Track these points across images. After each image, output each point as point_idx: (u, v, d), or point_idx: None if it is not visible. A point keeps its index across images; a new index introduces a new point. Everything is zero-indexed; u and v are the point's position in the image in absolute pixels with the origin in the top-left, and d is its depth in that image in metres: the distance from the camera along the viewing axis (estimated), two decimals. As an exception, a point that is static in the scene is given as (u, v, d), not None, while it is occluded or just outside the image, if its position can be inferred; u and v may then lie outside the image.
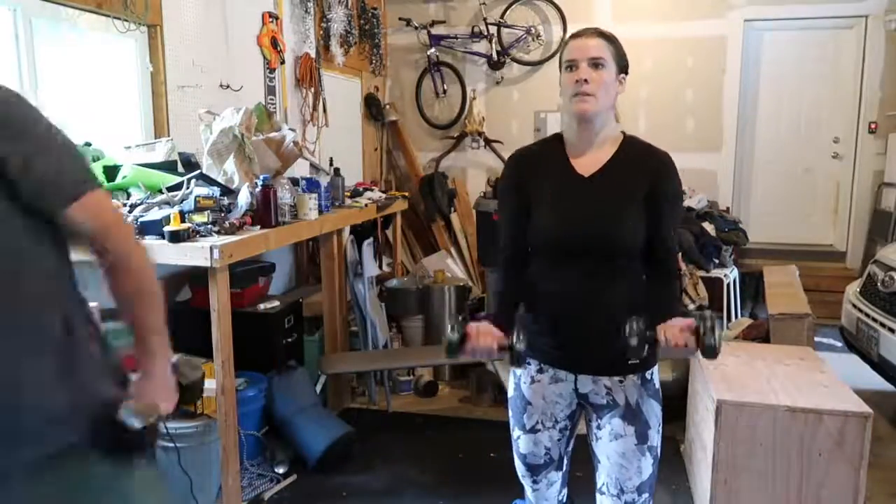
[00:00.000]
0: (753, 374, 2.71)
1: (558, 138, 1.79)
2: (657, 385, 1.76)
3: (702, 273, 4.67)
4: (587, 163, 1.71)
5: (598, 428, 1.75)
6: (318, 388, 3.63)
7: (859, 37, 5.50)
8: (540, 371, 1.78)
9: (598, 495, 1.79)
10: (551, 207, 1.70)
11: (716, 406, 2.45)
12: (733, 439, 2.45)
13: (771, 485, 2.43)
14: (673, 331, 1.52)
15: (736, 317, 4.91)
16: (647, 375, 1.73)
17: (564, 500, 1.99)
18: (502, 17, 5.84)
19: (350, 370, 3.81)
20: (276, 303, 3.51)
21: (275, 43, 4.22)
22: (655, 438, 1.73)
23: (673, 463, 3.14)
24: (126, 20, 3.01)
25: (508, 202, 1.79)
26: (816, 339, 4.17)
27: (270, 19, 4.19)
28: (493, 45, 5.86)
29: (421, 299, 4.45)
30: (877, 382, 3.56)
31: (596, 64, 1.62)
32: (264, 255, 3.47)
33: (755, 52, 5.71)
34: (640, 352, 1.51)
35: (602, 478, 1.76)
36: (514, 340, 1.52)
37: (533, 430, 1.81)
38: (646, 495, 1.74)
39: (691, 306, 4.01)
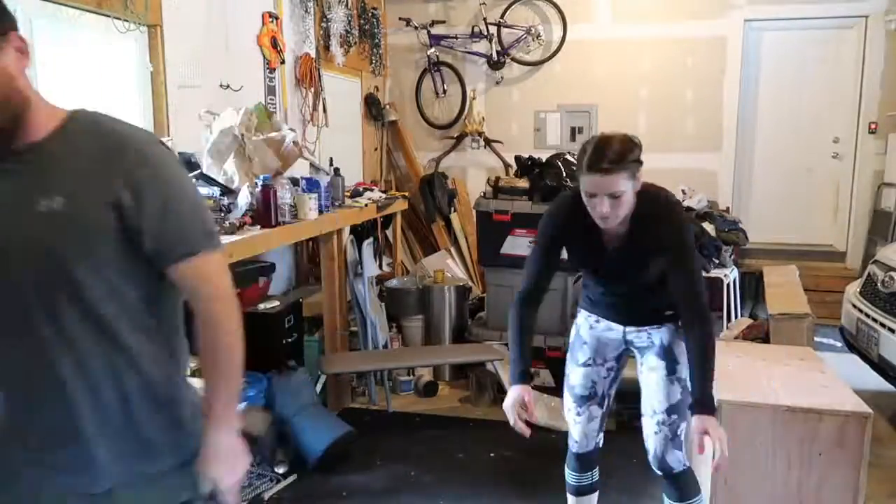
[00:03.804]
0: (753, 374, 2.71)
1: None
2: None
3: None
4: (611, 237, 1.98)
5: (641, 364, 2.15)
6: (318, 388, 3.63)
7: (859, 37, 5.50)
8: (598, 321, 2.18)
9: (642, 417, 2.14)
10: (587, 265, 2.11)
11: (716, 406, 2.45)
12: (733, 439, 2.44)
13: (771, 485, 2.43)
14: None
15: (736, 317, 4.91)
16: (679, 323, 2.08)
17: (601, 444, 2.27)
18: (502, 17, 5.84)
19: (350, 370, 3.81)
20: (276, 303, 3.52)
21: (275, 43, 4.22)
22: (684, 372, 2.03)
23: (673, 463, 3.14)
24: (126, 20, 3.01)
25: (545, 246, 2.06)
26: (816, 339, 4.17)
27: (270, 19, 4.19)
28: (493, 45, 5.86)
29: (421, 299, 4.45)
30: (877, 382, 3.56)
31: (614, 195, 1.79)
32: (264, 255, 3.47)
33: (755, 53, 5.71)
34: None
35: (643, 403, 2.12)
36: None
37: (585, 365, 2.17)
38: (675, 416, 2.06)
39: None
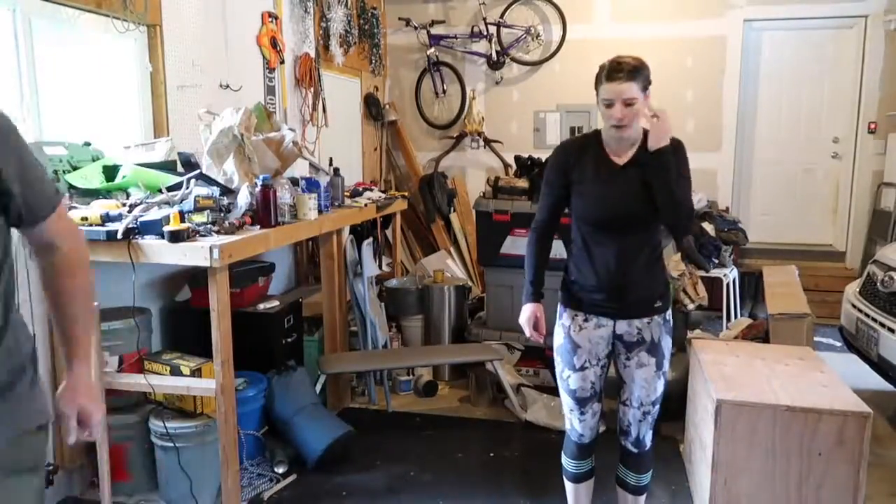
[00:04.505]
0: (753, 373, 2.71)
1: (597, 134, 2.19)
2: (671, 323, 2.26)
3: (701, 273, 4.67)
4: (620, 156, 2.15)
5: (628, 359, 2.22)
6: (318, 388, 3.63)
7: (859, 37, 5.50)
8: (586, 320, 2.22)
9: (621, 406, 2.28)
10: (592, 190, 2.14)
11: (716, 406, 2.45)
12: (733, 439, 2.45)
13: (771, 485, 2.43)
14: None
15: (736, 317, 4.91)
16: (667, 316, 2.23)
17: (601, 430, 2.38)
18: (502, 16, 5.84)
19: (350, 370, 3.81)
20: (276, 303, 3.51)
21: (274, 43, 4.22)
22: (667, 365, 2.24)
23: (673, 463, 3.14)
24: (125, 20, 3.01)
25: (553, 180, 2.23)
26: (816, 339, 4.17)
27: (270, 19, 4.19)
28: (493, 45, 5.86)
29: (420, 299, 4.45)
30: (877, 382, 3.56)
31: (628, 103, 2.01)
32: (264, 255, 3.46)
33: (755, 52, 5.71)
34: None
35: (626, 394, 2.26)
36: None
37: (582, 368, 2.24)
38: (657, 406, 2.26)
39: (691, 306, 4.00)
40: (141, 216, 2.51)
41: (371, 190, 4.44)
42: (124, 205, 2.61)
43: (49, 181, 1.35)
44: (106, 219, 2.49)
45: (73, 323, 1.38)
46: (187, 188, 2.72)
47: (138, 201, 2.62)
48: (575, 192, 2.17)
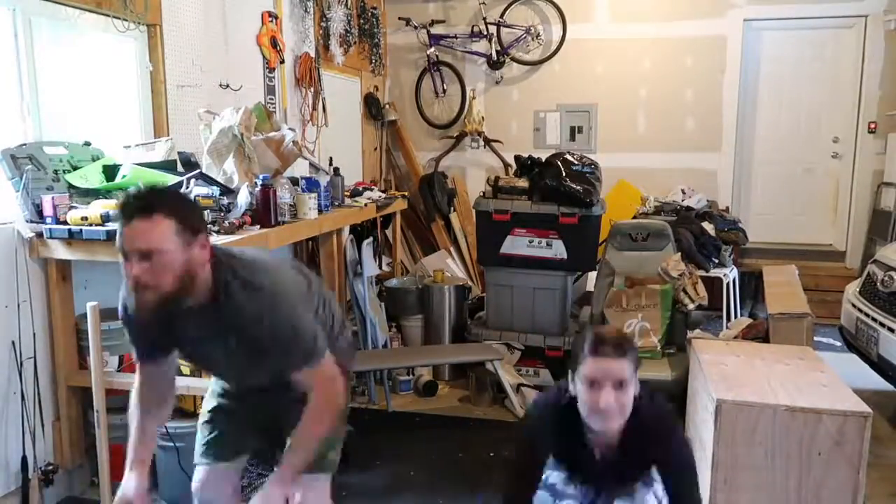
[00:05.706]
0: (753, 373, 2.70)
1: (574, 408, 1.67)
2: None
3: (701, 273, 4.67)
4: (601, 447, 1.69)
5: None
6: (318, 387, 3.63)
7: (859, 37, 5.50)
8: None
9: None
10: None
11: (715, 406, 2.45)
12: (733, 439, 2.44)
13: (771, 485, 2.43)
14: None
15: (735, 316, 4.91)
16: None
17: None
18: (502, 16, 5.84)
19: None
20: (276, 302, 3.51)
21: (274, 42, 4.22)
22: None
23: (673, 463, 3.14)
24: (125, 20, 3.01)
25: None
26: (816, 338, 4.16)
27: (270, 19, 4.19)
28: (493, 45, 5.86)
29: (420, 299, 4.45)
30: (877, 382, 3.56)
31: (621, 383, 1.58)
32: (264, 254, 3.46)
33: (755, 52, 5.71)
34: None
35: None
36: None
37: None
38: None
39: (691, 306, 4.00)
40: (141, 216, 2.50)
41: (371, 190, 4.45)
42: (124, 204, 2.61)
43: (302, 340, 1.64)
44: (106, 219, 2.49)
45: (293, 451, 1.76)
46: (187, 188, 2.72)
47: (138, 201, 2.61)
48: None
